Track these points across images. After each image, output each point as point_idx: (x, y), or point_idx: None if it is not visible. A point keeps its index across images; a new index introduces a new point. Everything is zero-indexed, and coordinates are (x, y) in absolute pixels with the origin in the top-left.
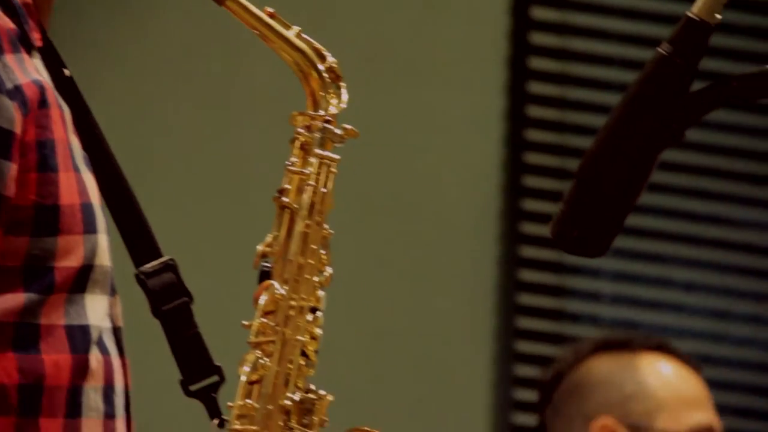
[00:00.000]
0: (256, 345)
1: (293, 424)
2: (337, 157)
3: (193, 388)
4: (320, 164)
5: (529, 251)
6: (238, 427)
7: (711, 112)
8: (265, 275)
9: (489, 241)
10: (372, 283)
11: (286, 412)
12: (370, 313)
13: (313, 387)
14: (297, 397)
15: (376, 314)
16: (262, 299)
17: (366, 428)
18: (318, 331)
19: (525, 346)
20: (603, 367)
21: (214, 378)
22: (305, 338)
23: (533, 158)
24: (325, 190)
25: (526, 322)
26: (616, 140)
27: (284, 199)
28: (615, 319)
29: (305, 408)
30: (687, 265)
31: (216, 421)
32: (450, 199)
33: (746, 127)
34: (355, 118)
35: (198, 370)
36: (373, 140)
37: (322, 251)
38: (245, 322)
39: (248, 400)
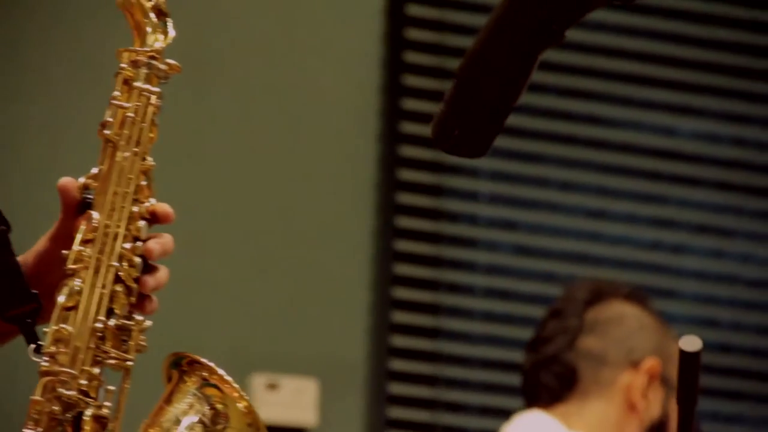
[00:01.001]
0: (72, 272)
1: (107, 347)
2: (157, 90)
3: (10, 314)
4: (140, 96)
5: (408, 151)
6: (53, 350)
7: (590, 12)
8: (86, 206)
9: (368, 141)
10: (251, 183)
11: (101, 336)
12: (250, 213)
13: (136, 316)
14: (112, 322)
15: (255, 214)
16: (81, 228)
17: (187, 353)
18: (137, 259)
19: (404, 245)
20: (654, 317)
21: (32, 305)
22: (121, 265)
23: (413, 57)
24: (145, 124)
25: (405, 222)
26: (496, 40)
27: (106, 131)
28: (493, 218)
29: (122, 333)
30: (564, 165)
31: (33, 347)
32: (329, 98)
33: (625, 28)
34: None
35: (15, 297)
36: (254, 42)
37: (144, 182)
38: (64, 251)
39: (63, 325)
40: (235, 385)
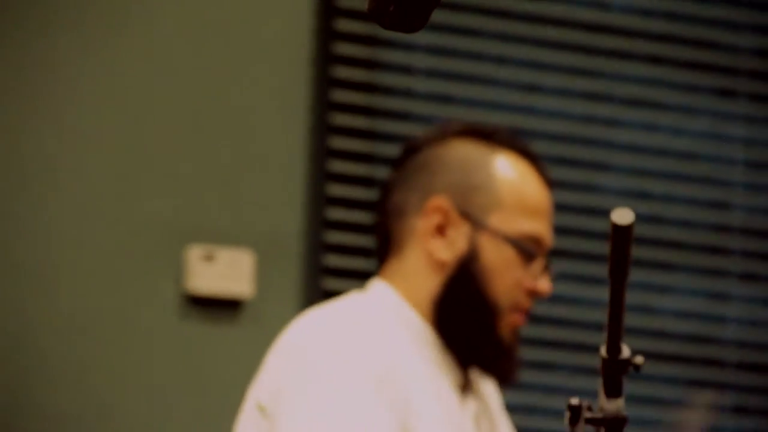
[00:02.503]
0: None
1: None
2: None
3: None
4: None
5: (344, 24)
6: None
7: None
8: None
9: (304, 14)
10: (188, 55)
11: None
12: (186, 85)
13: None
14: None
15: (191, 86)
16: None
17: None
18: None
19: (340, 119)
20: (462, 150)
21: None
22: None
23: None
24: None
25: (340, 95)
26: None
27: None
28: (429, 92)
29: None
30: (499, 39)
31: None
32: None
33: None
34: None
35: None
36: None
37: None
38: None
39: None
40: None
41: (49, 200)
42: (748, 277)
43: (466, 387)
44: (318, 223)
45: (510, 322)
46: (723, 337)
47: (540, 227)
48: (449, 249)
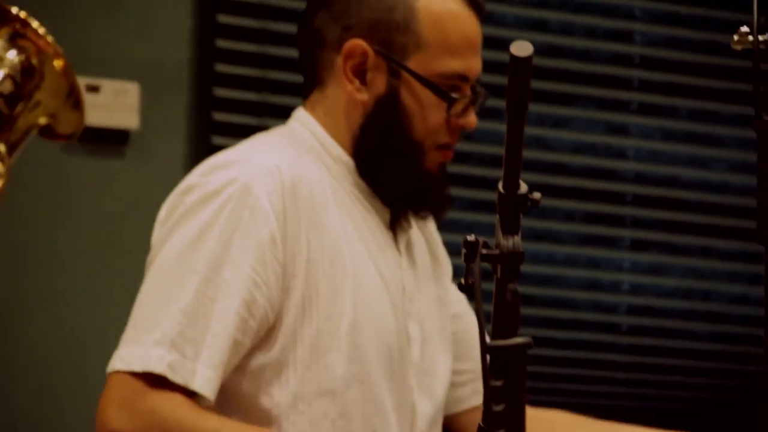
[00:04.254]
0: None
1: None
2: None
3: None
4: None
5: None
6: None
7: None
8: None
9: None
10: None
11: None
12: None
13: None
14: None
15: None
16: None
17: None
18: None
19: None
20: None
21: None
22: None
23: None
24: None
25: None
26: None
27: None
28: None
29: None
30: None
31: None
32: None
33: None
34: None
35: None
36: None
37: None
38: None
39: None
40: (51, 40)
41: None
42: (646, 108)
43: (397, 227)
44: (208, 53)
45: (434, 158)
46: (621, 170)
47: (465, 64)
48: (368, 91)
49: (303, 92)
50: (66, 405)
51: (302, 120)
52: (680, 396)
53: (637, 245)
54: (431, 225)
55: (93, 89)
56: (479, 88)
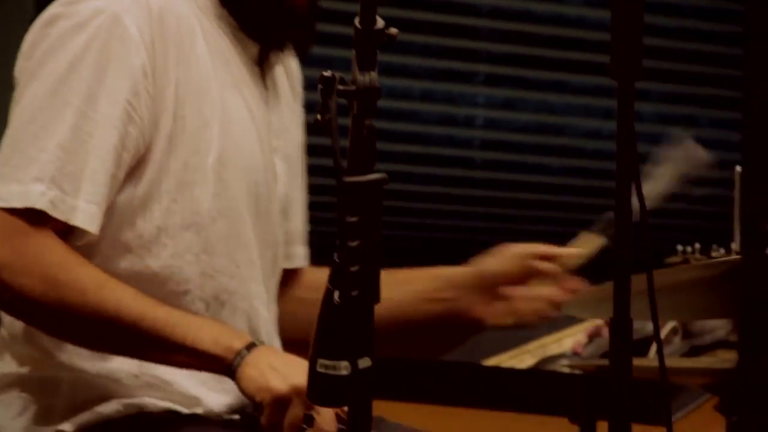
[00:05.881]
0: None
1: None
2: None
3: None
4: None
5: None
6: None
7: None
8: None
9: None
10: None
11: None
12: None
13: None
14: None
15: None
16: None
17: None
18: None
19: None
20: None
21: None
22: None
23: None
24: None
25: None
26: None
27: None
28: None
29: None
30: None
31: None
32: None
33: None
34: None
35: None
36: None
37: None
38: None
39: None
40: None
41: None
42: None
43: (264, 63)
44: None
45: None
46: (476, 4)
47: None
48: None
49: None
50: None
51: None
52: (534, 230)
53: (492, 80)
54: (293, 60)
55: None
56: None
